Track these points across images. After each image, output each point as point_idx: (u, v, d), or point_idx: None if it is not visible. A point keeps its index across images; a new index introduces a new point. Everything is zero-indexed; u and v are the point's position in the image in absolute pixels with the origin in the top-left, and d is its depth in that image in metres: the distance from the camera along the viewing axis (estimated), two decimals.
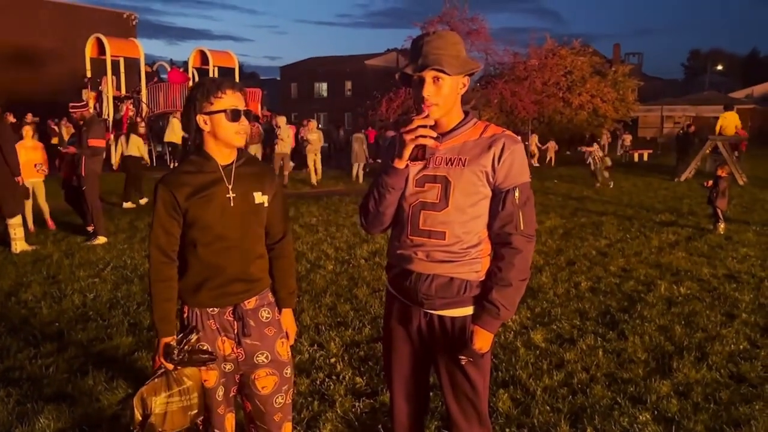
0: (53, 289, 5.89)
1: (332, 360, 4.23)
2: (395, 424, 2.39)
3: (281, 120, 16.67)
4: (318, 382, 3.88)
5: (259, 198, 2.29)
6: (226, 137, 2.20)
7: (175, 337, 2.23)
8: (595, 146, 17.15)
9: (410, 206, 2.15)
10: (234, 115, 2.18)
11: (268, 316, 2.37)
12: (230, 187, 2.23)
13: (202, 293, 2.26)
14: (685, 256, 7.53)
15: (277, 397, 2.38)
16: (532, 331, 4.81)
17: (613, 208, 11.71)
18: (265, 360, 2.34)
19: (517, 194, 2.09)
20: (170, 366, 2.21)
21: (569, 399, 3.68)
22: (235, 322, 2.30)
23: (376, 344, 4.45)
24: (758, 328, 4.96)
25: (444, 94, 2.08)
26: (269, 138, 17.02)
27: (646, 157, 26.62)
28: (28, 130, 8.95)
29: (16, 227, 7.49)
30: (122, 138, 14.68)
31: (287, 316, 2.51)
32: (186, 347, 2.18)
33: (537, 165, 23.98)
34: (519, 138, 2.16)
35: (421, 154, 2.05)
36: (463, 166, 2.09)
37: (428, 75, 2.06)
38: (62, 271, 6.62)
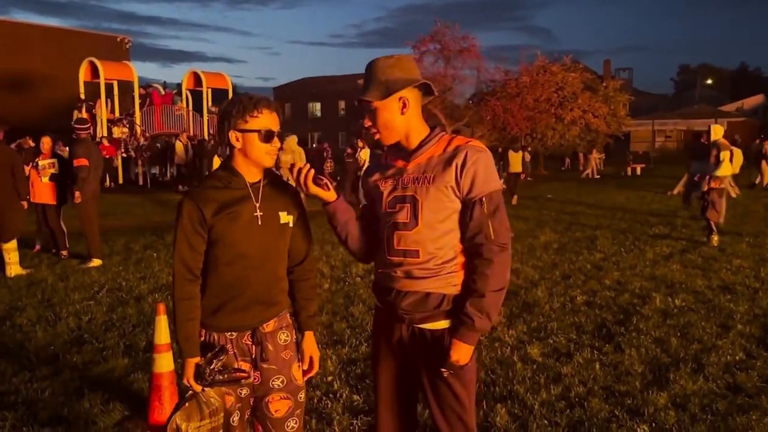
0: (48, 313, 5.87)
1: (329, 378, 4.22)
2: None
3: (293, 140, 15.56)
4: (315, 401, 3.87)
5: (285, 218, 2.26)
6: (257, 157, 2.18)
7: (200, 357, 2.18)
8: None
9: (385, 227, 2.21)
10: (267, 136, 2.16)
11: (287, 339, 2.32)
12: (258, 205, 2.20)
13: (221, 316, 2.21)
14: (680, 269, 7.57)
15: (290, 421, 2.33)
16: (529, 345, 4.81)
17: (607, 222, 11.76)
18: (281, 384, 2.29)
19: (484, 204, 2.09)
20: (199, 387, 2.17)
21: (567, 413, 3.68)
22: (254, 347, 2.25)
23: None
24: (754, 338, 4.97)
25: (381, 122, 2.17)
26: None
27: (639, 171, 26.78)
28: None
29: (11, 252, 7.47)
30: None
31: (309, 340, 2.43)
32: (216, 367, 2.15)
33: (598, 177, 25.07)
34: (484, 147, 2.15)
35: (326, 184, 2.20)
36: (429, 183, 2.12)
37: (364, 106, 2.18)
38: (57, 294, 6.59)
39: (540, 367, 4.39)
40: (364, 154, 15.42)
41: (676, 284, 6.79)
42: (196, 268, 2.18)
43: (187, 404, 2.17)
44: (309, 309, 2.44)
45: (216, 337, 2.23)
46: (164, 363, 3.46)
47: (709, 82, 61.12)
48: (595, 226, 11.21)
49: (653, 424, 3.53)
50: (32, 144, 17.04)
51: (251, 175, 2.22)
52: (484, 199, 2.09)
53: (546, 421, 3.57)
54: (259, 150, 2.17)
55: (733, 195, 15.75)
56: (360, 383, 4.12)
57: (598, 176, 26.05)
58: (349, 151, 16.14)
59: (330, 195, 2.24)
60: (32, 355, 4.72)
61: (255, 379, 2.28)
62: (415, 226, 2.13)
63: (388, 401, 2.34)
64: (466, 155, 2.09)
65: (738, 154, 11.40)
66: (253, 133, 2.15)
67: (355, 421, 3.58)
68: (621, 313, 5.73)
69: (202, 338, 2.24)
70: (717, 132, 11.14)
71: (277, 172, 14.44)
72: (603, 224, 11.40)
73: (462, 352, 2.12)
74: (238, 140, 2.17)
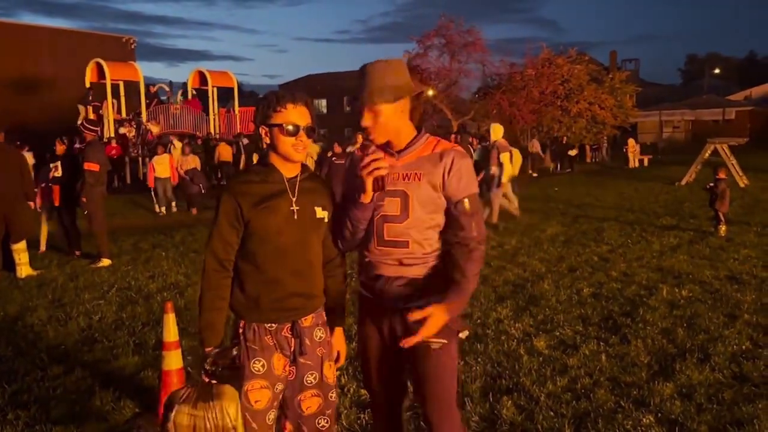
0: (59, 312, 5.93)
1: (336, 373, 4.25)
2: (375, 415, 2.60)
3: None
4: None
5: (320, 213, 2.32)
6: (284, 151, 2.24)
7: (213, 348, 2.20)
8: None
9: (374, 219, 2.32)
10: (291, 130, 2.21)
11: (322, 336, 2.37)
12: (294, 199, 2.26)
13: (260, 307, 2.25)
14: (687, 259, 7.55)
15: (320, 419, 2.36)
16: (535, 338, 4.83)
17: (614, 213, 11.74)
18: (313, 381, 2.33)
19: (467, 203, 2.28)
20: (204, 377, 2.17)
21: (573, 404, 3.71)
22: (293, 339, 2.29)
23: None
24: (760, 328, 4.97)
25: (381, 122, 2.28)
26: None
27: (646, 163, 26.65)
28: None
29: (21, 252, 7.55)
30: None
31: (339, 336, 2.51)
32: (220, 360, 2.16)
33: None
34: (466, 153, 2.36)
35: (381, 184, 2.21)
36: (419, 180, 2.29)
37: (365, 107, 2.27)
38: (67, 294, 6.66)
39: (546, 360, 4.41)
40: None
41: (683, 275, 6.78)
42: (227, 260, 2.24)
43: (187, 386, 2.19)
44: (341, 305, 2.51)
45: (256, 329, 2.26)
46: (173, 360, 3.50)
47: (717, 71, 60.57)
48: (602, 218, 11.19)
49: (659, 415, 3.55)
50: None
51: (287, 170, 2.29)
52: (466, 199, 2.29)
53: (552, 413, 3.59)
54: (285, 144, 2.23)
55: (741, 185, 15.67)
56: None
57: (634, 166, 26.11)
58: (337, 150, 13.98)
59: (369, 196, 2.26)
60: (44, 354, 4.78)
61: (290, 374, 2.30)
62: (405, 218, 2.28)
63: (382, 384, 2.50)
64: (453, 159, 2.30)
65: (517, 154, 11.20)
66: (276, 127, 2.22)
67: (362, 415, 3.62)
68: (627, 304, 5.74)
69: (241, 330, 2.27)
70: (496, 132, 10.77)
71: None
72: (610, 216, 11.38)
73: (434, 322, 2.21)
74: (266, 135, 2.25)
